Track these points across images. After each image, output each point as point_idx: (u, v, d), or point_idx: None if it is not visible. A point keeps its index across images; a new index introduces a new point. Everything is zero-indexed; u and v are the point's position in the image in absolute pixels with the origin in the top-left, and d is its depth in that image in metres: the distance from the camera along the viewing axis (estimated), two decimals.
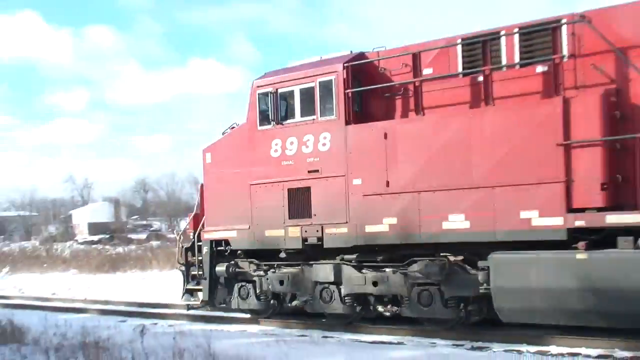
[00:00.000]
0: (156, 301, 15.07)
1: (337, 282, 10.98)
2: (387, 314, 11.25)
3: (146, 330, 7.81)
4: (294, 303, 12.01)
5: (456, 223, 9.67)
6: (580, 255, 8.80)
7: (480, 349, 9.29)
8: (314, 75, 11.07)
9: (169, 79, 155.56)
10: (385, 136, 10.20)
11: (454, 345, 9.53)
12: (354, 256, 10.79)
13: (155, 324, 11.54)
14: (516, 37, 10.00)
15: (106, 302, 16.00)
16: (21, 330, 9.24)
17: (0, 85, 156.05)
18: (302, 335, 10.75)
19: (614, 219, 8.67)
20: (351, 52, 11.34)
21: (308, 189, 10.91)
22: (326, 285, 11.11)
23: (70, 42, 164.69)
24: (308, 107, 11.08)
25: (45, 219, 50.94)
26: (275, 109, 11.39)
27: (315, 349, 9.17)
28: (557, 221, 8.91)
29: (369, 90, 11.01)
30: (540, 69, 9.71)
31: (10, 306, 16.24)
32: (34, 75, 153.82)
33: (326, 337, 10.62)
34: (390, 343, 9.90)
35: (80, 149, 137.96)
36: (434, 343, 9.73)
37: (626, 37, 9.11)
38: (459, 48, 10.43)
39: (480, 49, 10.31)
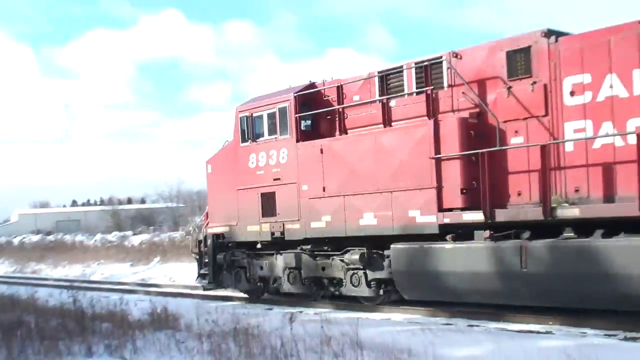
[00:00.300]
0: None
1: (299, 268, 13.53)
2: (337, 293, 13.31)
3: (294, 318, 7.74)
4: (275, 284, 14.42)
5: (368, 220, 12.09)
6: (448, 245, 11.03)
7: (634, 339, 8.93)
8: (275, 103, 13.87)
9: (306, 69, 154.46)
10: (322, 151, 12.82)
11: (605, 335, 9.21)
12: (308, 247, 13.41)
13: (301, 312, 11.39)
14: (413, 71, 12.21)
15: None
16: (175, 316, 9.31)
17: (146, 82, 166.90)
18: (447, 324, 10.69)
19: (467, 216, 10.83)
20: (310, 81, 14.01)
21: (274, 193, 13.75)
22: (292, 270, 13.77)
23: (210, 38, 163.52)
24: (272, 128, 13.91)
25: (192, 210, 54.03)
26: (251, 129, 14.28)
27: (461, 337, 8.81)
28: (432, 219, 11.15)
29: (318, 113, 13.63)
30: (425, 96, 11.81)
31: (163, 294, 16.73)
32: (177, 72, 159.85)
33: (471, 325, 10.48)
34: (538, 332, 9.70)
35: (221, 142, 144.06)
36: (584, 332, 9.44)
37: (483, 70, 11.20)
38: (376, 79, 12.69)
39: (389, 80, 12.60)
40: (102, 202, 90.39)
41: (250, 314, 8.93)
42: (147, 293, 17.03)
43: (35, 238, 41.99)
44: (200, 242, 15.85)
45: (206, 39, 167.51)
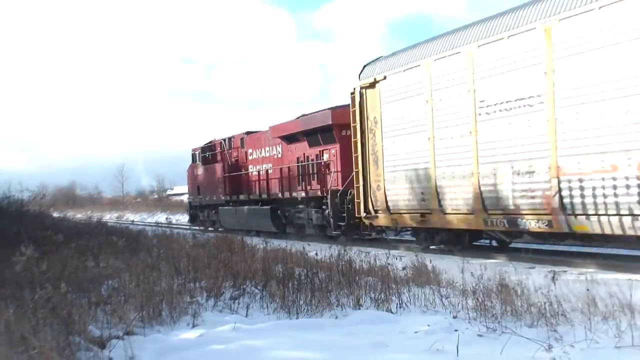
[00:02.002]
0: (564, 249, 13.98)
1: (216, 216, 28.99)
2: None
3: (557, 277, 7.49)
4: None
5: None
6: (245, 207, 25.29)
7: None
8: (195, 150, 31.15)
9: None
10: (205, 170, 30.17)
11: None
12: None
13: (565, 271, 10.45)
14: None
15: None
16: (436, 272, 9.35)
17: (398, 41, 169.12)
18: None
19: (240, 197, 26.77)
20: (210, 140, 30.67)
21: (201, 184, 31.27)
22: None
23: None
24: (195, 159, 31.03)
25: None
26: (199, 158, 30.40)
27: None
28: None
29: (212, 153, 29.94)
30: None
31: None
32: (429, 28, 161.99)
33: None
34: None
35: None
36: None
37: (253, 145, 26.15)
38: (221, 142, 29.06)
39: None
40: None
41: (512, 273, 8.68)
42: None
43: None
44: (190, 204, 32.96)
45: None
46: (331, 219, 18.61)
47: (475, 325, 6.35)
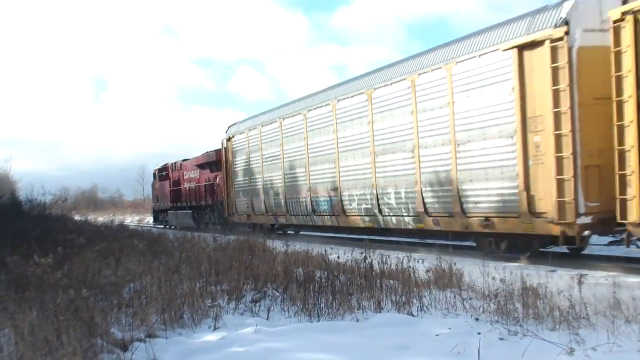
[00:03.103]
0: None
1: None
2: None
3: (583, 280, 7.49)
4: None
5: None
6: (180, 211, 36.35)
7: None
8: (156, 171, 42.44)
9: None
10: (160, 184, 41.16)
11: None
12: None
13: (587, 274, 9.78)
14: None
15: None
16: (458, 275, 9.17)
17: (415, 42, 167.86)
18: None
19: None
20: (164, 164, 41.53)
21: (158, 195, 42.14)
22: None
23: None
24: (157, 177, 41.61)
25: None
26: (157, 177, 41.42)
27: None
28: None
29: (165, 173, 40.12)
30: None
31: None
32: (446, 30, 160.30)
33: None
34: None
35: None
36: None
37: (186, 169, 36.30)
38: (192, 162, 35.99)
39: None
40: None
41: (535, 275, 8.63)
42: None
43: None
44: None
45: None
46: (216, 218, 30.08)
47: (496, 329, 6.31)
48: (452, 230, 14.57)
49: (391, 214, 16.43)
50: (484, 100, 13.02)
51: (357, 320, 7.09)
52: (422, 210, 15.07)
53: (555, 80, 11.32)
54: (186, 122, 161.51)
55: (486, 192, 13.18)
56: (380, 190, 16.70)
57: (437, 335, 6.21)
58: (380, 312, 7.48)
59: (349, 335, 6.36)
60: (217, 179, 30.05)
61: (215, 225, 29.45)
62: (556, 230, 11.64)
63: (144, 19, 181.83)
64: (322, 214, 19.81)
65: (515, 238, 13.28)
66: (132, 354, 5.63)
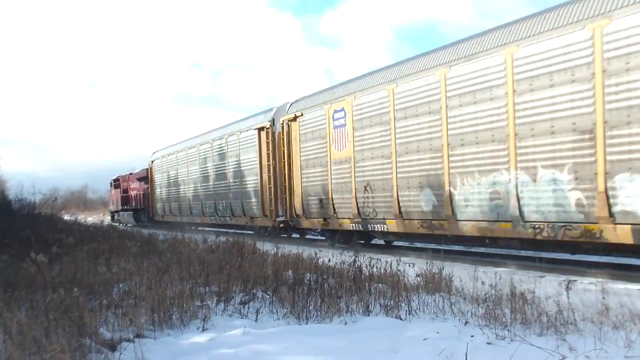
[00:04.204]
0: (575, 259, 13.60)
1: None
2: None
3: (571, 286, 7.40)
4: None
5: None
6: (127, 212, 45.33)
7: None
8: (112, 180, 49.09)
9: None
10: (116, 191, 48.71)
11: None
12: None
13: (575, 280, 10.10)
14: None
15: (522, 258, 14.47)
16: (447, 279, 9.12)
17: (405, 46, 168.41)
18: None
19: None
20: (117, 176, 48.53)
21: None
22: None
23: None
24: (113, 186, 49.20)
25: None
26: (113, 185, 48.38)
27: None
28: None
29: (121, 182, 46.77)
30: (130, 182, 44.72)
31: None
32: (435, 35, 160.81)
33: None
34: None
35: None
36: None
37: (132, 180, 44.43)
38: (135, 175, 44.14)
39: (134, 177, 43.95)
40: None
41: (523, 281, 8.65)
42: None
43: None
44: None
45: (465, 1, 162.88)
46: (147, 217, 38.72)
47: (484, 333, 6.33)
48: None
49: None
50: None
51: (346, 324, 7.11)
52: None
53: (267, 147, 21.63)
54: (176, 124, 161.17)
55: None
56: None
57: (425, 339, 6.22)
58: (369, 315, 7.50)
59: (337, 338, 6.37)
60: (146, 188, 39.75)
61: (146, 223, 39.08)
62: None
63: (137, 21, 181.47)
64: (202, 215, 29.40)
65: None
66: (121, 354, 5.62)
